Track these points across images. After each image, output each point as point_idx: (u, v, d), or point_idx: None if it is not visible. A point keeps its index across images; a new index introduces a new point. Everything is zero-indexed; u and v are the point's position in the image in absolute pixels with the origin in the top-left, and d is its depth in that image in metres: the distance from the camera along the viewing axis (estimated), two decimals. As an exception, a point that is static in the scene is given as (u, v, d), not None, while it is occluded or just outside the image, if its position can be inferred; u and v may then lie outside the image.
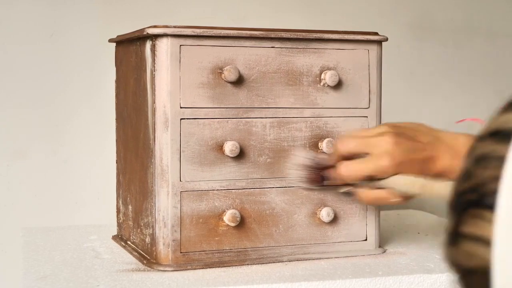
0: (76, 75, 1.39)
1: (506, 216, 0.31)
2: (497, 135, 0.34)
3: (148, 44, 0.95)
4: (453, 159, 0.90)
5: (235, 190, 0.98)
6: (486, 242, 0.32)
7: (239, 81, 0.97)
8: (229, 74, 0.95)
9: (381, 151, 0.91)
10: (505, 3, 1.67)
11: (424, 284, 0.95)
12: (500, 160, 0.32)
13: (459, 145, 0.91)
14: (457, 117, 1.61)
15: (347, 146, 0.93)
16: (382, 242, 1.11)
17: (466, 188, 0.35)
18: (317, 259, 1.02)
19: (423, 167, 0.90)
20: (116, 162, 1.15)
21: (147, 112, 0.96)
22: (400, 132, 0.92)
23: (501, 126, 0.34)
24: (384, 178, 0.91)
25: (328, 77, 1.00)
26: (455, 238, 0.35)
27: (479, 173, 0.34)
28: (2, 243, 1.37)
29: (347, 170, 0.93)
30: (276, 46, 0.99)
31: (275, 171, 0.99)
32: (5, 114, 1.36)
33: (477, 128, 0.85)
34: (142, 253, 1.00)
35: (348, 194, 1.00)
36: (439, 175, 0.90)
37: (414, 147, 0.91)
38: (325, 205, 1.02)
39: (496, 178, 0.32)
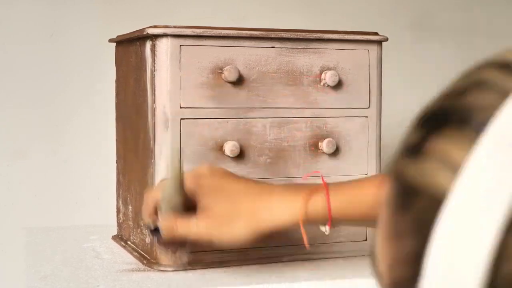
0: (76, 75, 1.39)
1: (489, 147, 0.28)
2: (505, 67, 0.31)
3: (148, 44, 0.95)
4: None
5: (235, 190, 0.97)
6: (453, 167, 0.29)
7: (239, 81, 0.97)
8: (229, 74, 0.95)
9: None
10: (505, 3, 1.67)
11: (424, 284, 0.95)
12: (503, 92, 0.30)
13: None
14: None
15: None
16: (382, 242, 1.11)
17: (456, 105, 0.31)
18: (317, 259, 1.02)
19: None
20: (116, 162, 1.15)
21: (147, 112, 0.96)
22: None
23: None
24: None
25: (328, 77, 1.00)
26: (416, 152, 0.32)
27: (475, 95, 0.31)
28: (2, 243, 1.37)
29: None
30: (276, 46, 0.99)
31: (275, 171, 0.99)
32: (5, 114, 1.36)
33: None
34: (142, 253, 1.00)
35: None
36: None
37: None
38: (325, 205, 1.02)
39: (493, 107, 0.29)
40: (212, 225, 0.82)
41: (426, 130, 0.32)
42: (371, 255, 0.37)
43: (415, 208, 0.31)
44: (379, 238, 0.36)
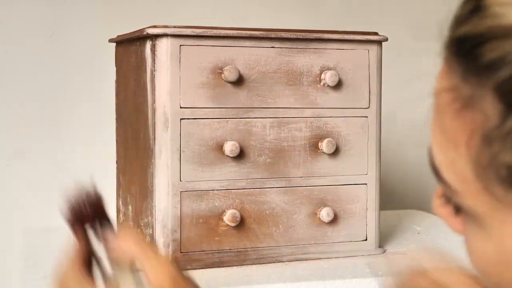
0: (76, 75, 1.39)
1: None
2: None
3: (148, 44, 0.95)
4: None
5: (235, 190, 0.98)
6: None
7: (239, 81, 0.97)
8: (229, 74, 0.95)
9: None
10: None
11: (424, 284, 0.95)
12: None
13: None
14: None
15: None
16: (382, 242, 1.11)
17: None
18: (317, 259, 1.02)
19: None
20: (116, 162, 1.15)
21: (147, 112, 0.96)
22: None
23: None
24: None
25: (328, 77, 1.00)
26: (480, 7, 0.35)
27: None
28: (2, 243, 1.37)
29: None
30: (276, 46, 0.99)
31: (275, 171, 0.99)
32: (5, 114, 1.36)
33: None
34: (142, 253, 1.00)
35: None
36: None
37: None
38: (325, 205, 1.02)
39: None
40: None
41: None
42: (429, 157, 0.39)
43: (488, 53, 0.34)
44: (438, 127, 0.37)
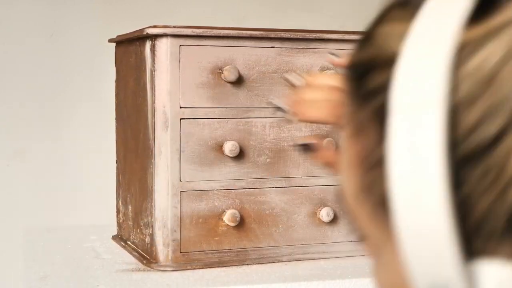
0: (76, 75, 1.39)
1: (427, 14, 0.34)
2: None
3: (148, 44, 0.95)
4: None
5: (235, 190, 0.98)
6: (400, 35, 0.35)
7: (238, 81, 0.97)
8: (229, 74, 0.95)
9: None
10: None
11: (424, 284, 0.95)
12: None
13: None
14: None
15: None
16: (382, 242, 1.11)
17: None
18: (317, 259, 1.02)
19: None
20: (116, 162, 1.15)
21: (147, 112, 0.96)
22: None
23: None
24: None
25: (328, 77, 1.00)
26: (365, 40, 0.37)
27: None
28: (2, 243, 1.37)
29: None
30: (276, 46, 0.99)
31: (275, 171, 0.99)
32: (5, 114, 1.36)
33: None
34: (142, 253, 1.00)
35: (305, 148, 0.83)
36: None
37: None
38: (325, 205, 1.02)
39: None
40: None
41: (373, 24, 0.38)
42: (338, 192, 0.39)
43: (371, 80, 0.35)
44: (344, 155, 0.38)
